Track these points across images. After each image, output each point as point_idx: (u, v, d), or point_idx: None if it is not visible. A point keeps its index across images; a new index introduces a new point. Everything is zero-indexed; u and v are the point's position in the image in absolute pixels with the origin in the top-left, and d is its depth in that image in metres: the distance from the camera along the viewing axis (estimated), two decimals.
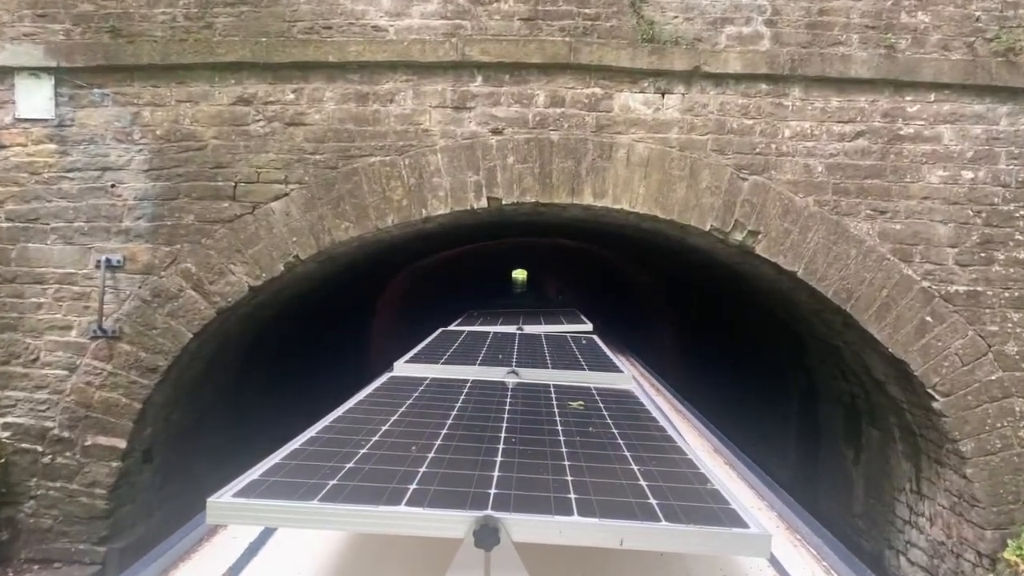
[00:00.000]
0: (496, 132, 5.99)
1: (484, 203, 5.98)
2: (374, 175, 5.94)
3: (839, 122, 6.01)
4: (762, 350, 9.43)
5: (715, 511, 1.96)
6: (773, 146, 6.02)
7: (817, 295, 6.08)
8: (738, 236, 6.00)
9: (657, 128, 6.02)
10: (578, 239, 13.14)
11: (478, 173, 5.97)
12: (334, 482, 2.03)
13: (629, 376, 4.24)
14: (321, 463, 2.21)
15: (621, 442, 2.70)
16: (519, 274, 37.24)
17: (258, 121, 5.95)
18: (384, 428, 2.71)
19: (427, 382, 3.78)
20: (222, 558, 2.61)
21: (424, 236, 7.81)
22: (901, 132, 5.97)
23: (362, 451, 2.37)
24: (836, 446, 7.94)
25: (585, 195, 6.00)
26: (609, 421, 3.07)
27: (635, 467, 2.35)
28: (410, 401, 3.26)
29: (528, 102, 6.01)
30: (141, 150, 5.89)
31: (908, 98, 5.97)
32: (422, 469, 2.20)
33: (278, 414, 8.33)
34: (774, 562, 2.65)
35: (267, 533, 2.77)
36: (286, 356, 8.68)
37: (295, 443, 2.44)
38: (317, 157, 5.95)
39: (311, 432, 2.60)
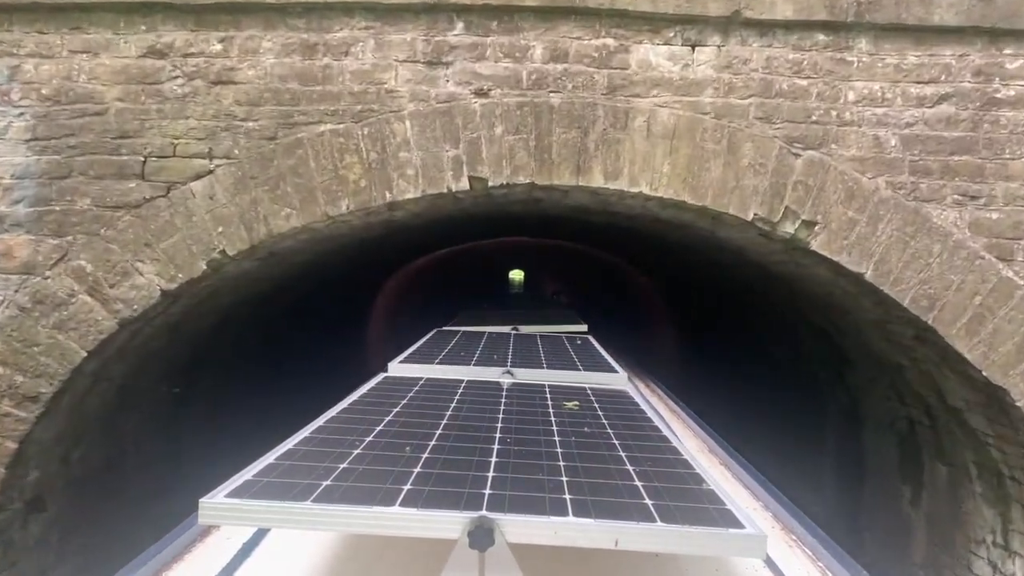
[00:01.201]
0: (480, 94, 4.61)
1: (465, 184, 4.59)
2: (324, 148, 4.55)
3: (918, 83, 4.63)
4: (790, 363, 8.06)
5: (710, 511, 1.92)
6: (834, 113, 4.64)
7: (886, 303, 4.71)
8: (789, 228, 4.62)
9: (686, 90, 4.64)
10: (578, 239, 11.76)
11: (457, 146, 4.58)
12: (328, 482, 1.98)
13: (624, 376, 4.12)
14: (315, 463, 2.17)
15: (616, 442, 2.66)
16: (516, 275, 36.25)
17: (175, 79, 4.56)
18: (378, 428, 2.67)
19: (422, 382, 3.70)
20: (216, 558, 2.58)
21: (398, 229, 6.42)
22: (998, 95, 4.60)
23: (356, 451, 2.33)
24: (888, 481, 6.58)
25: (594, 175, 4.61)
26: (604, 421, 3.02)
27: (630, 467, 2.32)
28: (405, 401, 3.20)
29: (521, 56, 4.63)
30: (22, 114, 4.49)
31: (1007, 51, 4.60)
32: (416, 469, 2.17)
33: (229, 442, 6.94)
34: (769, 563, 2.61)
35: (260, 534, 2.70)
36: (239, 374, 7.28)
37: (289, 443, 2.39)
38: (251, 125, 4.56)
39: (305, 432, 2.55)
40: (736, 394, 9.60)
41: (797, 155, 4.61)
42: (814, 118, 4.64)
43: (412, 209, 5.00)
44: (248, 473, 2.04)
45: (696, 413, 5.74)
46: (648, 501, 1.97)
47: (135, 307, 4.45)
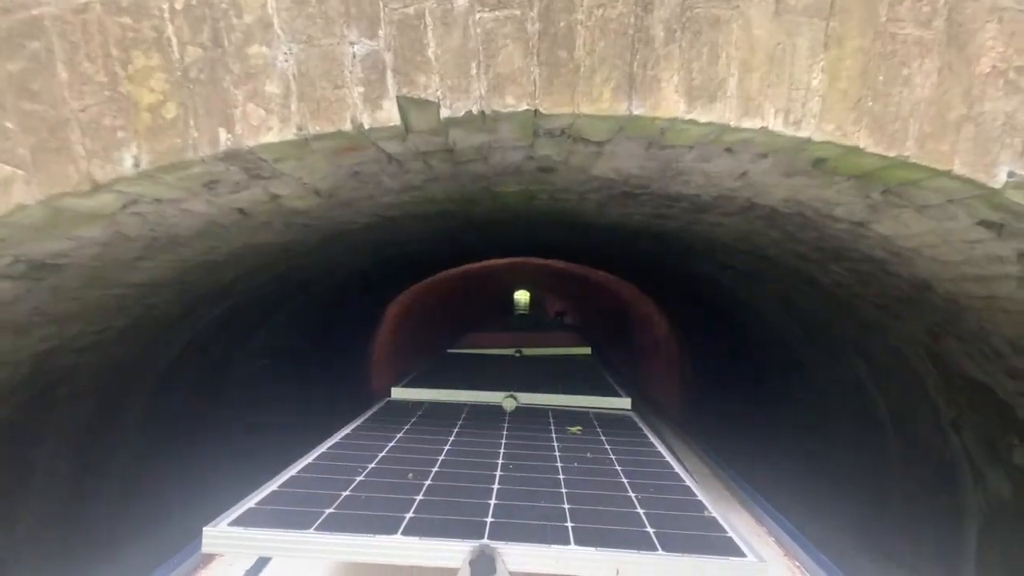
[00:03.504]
0: None
1: (392, 115, 2.05)
2: (88, 38, 2.02)
3: None
4: (901, 429, 5.47)
5: (712, 540, 1.89)
6: None
7: None
8: None
9: None
10: (591, 258, 9.18)
11: (373, 34, 2.04)
12: (330, 510, 1.94)
13: (628, 400, 4.00)
14: (318, 491, 2.10)
15: (619, 468, 2.58)
16: (521, 296, 34.24)
17: None
18: (381, 454, 2.59)
19: (425, 406, 3.57)
20: None
21: (330, 235, 3.89)
22: None
23: (359, 478, 2.26)
24: None
25: (663, 94, 2.07)
26: (607, 447, 2.93)
27: (632, 494, 2.26)
28: (407, 426, 3.11)
29: None
30: None
31: None
32: (418, 497, 2.12)
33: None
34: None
35: (262, 562, 2.43)
36: (100, 473, 4.69)
37: (292, 470, 2.32)
38: None
39: (309, 459, 2.47)
40: (809, 468, 6.98)
41: None
42: None
43: (306, 180, 2.46)
44: (251, 501, 1.97)
45: (756, 492, 3.68)
46: (650, 529, 1.91)
47: None
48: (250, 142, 2.02)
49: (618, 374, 7.68)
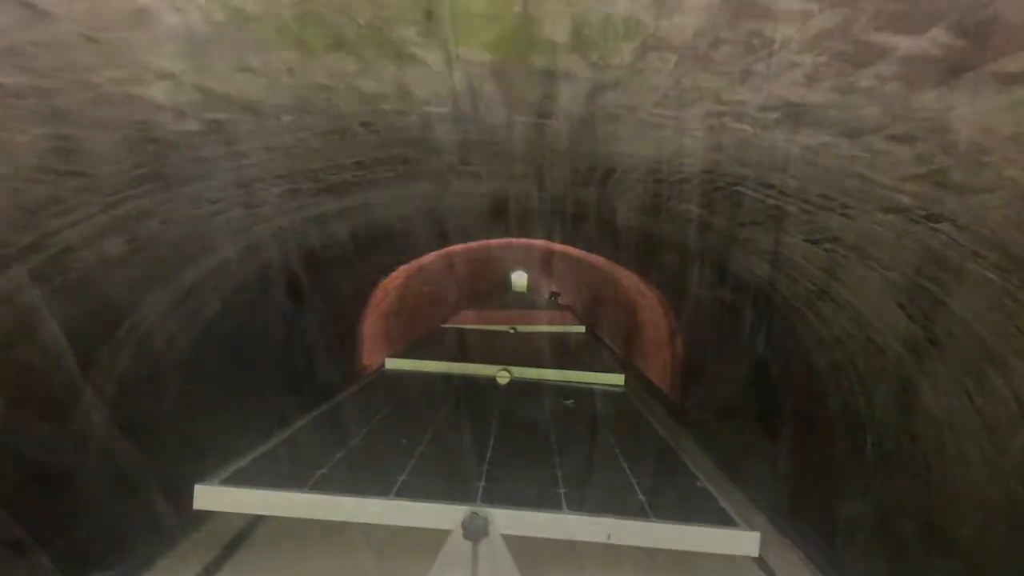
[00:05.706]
0: None
1: None
2: None
3: None
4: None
5: (704, 509, 1.85)
6: None
7: None
8: None
9: None
10: (595, 233, 7.04)
11: None
12: (324, 471, 1.88)
13: (620, 376, 3.96)
14: (312, 452, 2.03)
15: (612, 439, 2.49)
16: (518, 277, 32.62)
17: None
18: (375, 420, 2.50)
19: (419, 377, 3.48)
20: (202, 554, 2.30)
21: None
22: None
23: (352, 442, 2.19)
24: None
25: None
26: (600, 419, 2.81)
27: (624, 464, 2.17)
28: (401, 395, 3.01)
29: None
30: None
31: None
32: (412, 461, 2.06)
33: None
34: (763, 566, 2.34)
35: (250, 528, 2.20)
36: None
37: (285, 432, 2.23)
38: None
39: (302, 422, 2.37)
40: (886, 522, 4.89)
41: None
42: None
43: None
44: (244, 460, 1.90)
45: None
46: (642, 497, 1.85)
47: None
48: None
49: (613, 353, 7.18)
